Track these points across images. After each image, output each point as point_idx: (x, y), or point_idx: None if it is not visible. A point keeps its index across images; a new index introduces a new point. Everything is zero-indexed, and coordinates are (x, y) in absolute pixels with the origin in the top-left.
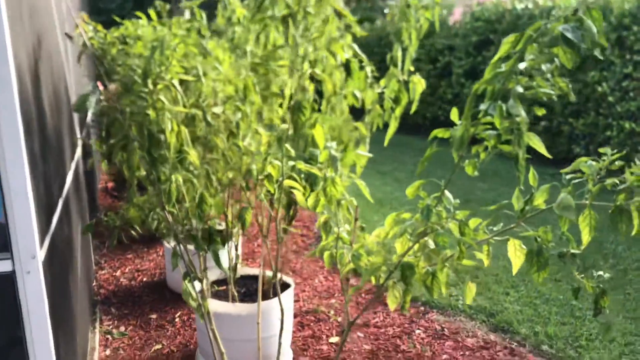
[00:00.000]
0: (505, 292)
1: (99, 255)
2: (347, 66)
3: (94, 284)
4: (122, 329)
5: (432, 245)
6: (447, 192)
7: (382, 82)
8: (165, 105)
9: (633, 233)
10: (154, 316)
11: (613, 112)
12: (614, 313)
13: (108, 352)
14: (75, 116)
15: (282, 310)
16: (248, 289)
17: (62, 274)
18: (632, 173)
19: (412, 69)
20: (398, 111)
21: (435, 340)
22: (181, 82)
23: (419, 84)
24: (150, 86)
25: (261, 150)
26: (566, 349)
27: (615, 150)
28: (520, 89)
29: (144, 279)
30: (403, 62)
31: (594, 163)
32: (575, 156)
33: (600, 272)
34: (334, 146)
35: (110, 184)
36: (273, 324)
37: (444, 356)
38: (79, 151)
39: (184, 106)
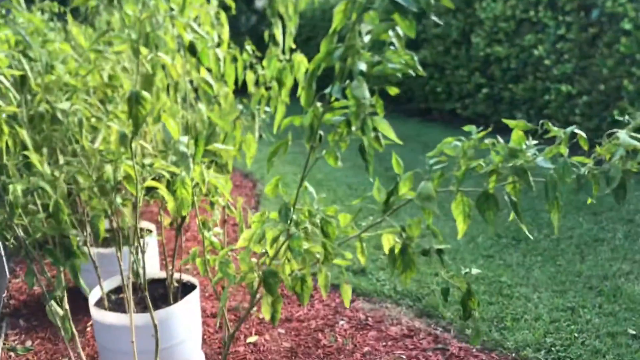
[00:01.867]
0: (433, 273)
1: (14, 262)
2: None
3: (4, 294)
4: (29, 343)
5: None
6: (309, 187)
7: (264, 63)
8: None
9: (510, 219)
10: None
11: (550, 75)
12: (542, 286)
13: None
14: None
15: (155, 326)
16: (153, 295)
17: None
18: (497, 152)
19: (293, 46)
20: (284, 93)
21: (358, 331)
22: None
23: (302, 62)
24: None
25: (112, 149)
26: (491, 332)
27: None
28: (362, 66)
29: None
30: (284, 40)
31: (459, 143)
32: None
33: (468, 270)
34: (185, 141)
35: None
36: (175, 332)
37: (366, 348)
38: None
39: (20, 104)
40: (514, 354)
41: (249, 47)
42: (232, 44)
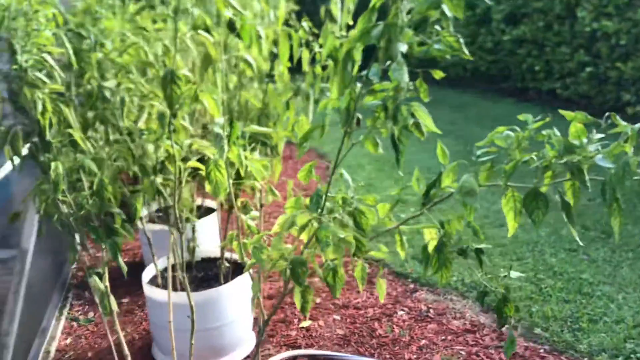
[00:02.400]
0: (507, 266)
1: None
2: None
3: (73, 266)
4: (91, 314)
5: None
6: (345, 174)
7: (320, 40)
8: (37, 82)
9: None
10: (125, 300)
11: None
12: (630, 286)
13: (69, 340)
14: None
15: (191, 307)
16: (207, 274)
17: None
18: (552, 146)
19: (350, 22)
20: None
21: (418, 322)
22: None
23: None
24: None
25: (154, 128)
26: (563, 332)
27: None
28: (403, 47)
29: (126, 259)
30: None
31: (511, 133)
32: (624, 104)
33: (506, 273)
34: (221, 122)
35: None
36: (225, 312)
37: (423, 341)
38: None
39: (68, 83)
40: (586, 359)
41: (305, 23)
42: (293, 20)
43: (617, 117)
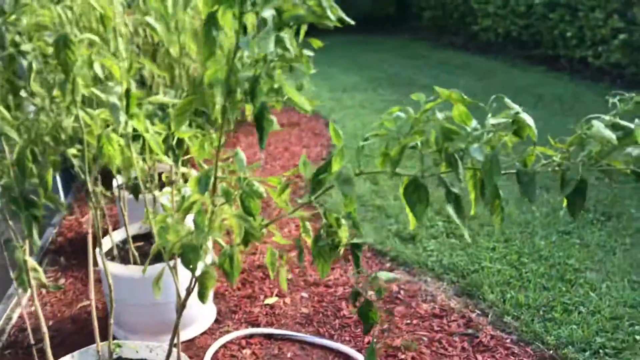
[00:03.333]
0: (491, 248)
1: (72, 199)
2: None
3: (55, 230)
4: (62, 281)
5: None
6: (240, 153)
7: None
8: None
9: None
10: (98, 268)
11: None
12: (618, 274)
13: (33, 308)
14: None
15: (109, 285)
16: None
17: None
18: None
19: None
20: None
21: (386, 304)
22: None
23: None
24: None
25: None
26: (533, 322)
27: None
28: (268, 12)
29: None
30: None
31: (402, 114)
32: None
33: (375, 274)
34: (118, 90)
35: None
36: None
37: (387, 324)
38: None
39: None
40: (551, 351)
41: None
42: None
43: (507, 99)
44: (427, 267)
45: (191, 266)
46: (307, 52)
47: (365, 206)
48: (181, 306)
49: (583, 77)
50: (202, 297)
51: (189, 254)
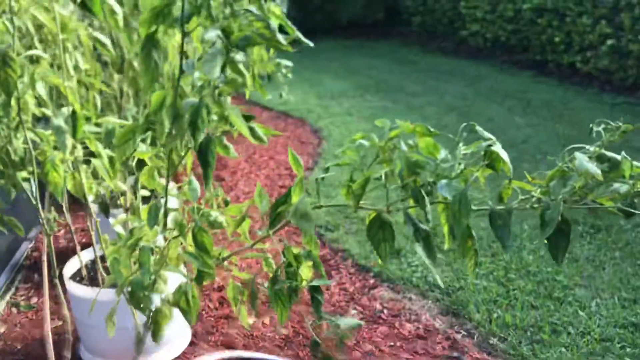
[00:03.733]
0: (479, 262)
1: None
2: None
3: (30, 245)
4: (35, 300)
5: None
6: (194, 182)
7: None
8: None
9: None
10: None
11: None
12: (607, 291)
13: (2, 329)
14: None
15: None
16: None
17: None
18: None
19: None
20: None
21: (369, 324)
22: None
23: None
24: None
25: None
26: (520, 344)
27: None
28: (212, 33)
29: (84, 240)
30: None
31: (365, 142)
32: None
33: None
34: (64, 112)
35: None
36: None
37: (369, 346)
38: None
39: None
40: None
41: None
42: None
43: (479, 128)
44: (411, 283)
45: (141, 306)
46: (286, 62)
47: (350, 218)
48: (139, 341)
49: (572, 83)
50: (155, 337)
51: (138, 292)
